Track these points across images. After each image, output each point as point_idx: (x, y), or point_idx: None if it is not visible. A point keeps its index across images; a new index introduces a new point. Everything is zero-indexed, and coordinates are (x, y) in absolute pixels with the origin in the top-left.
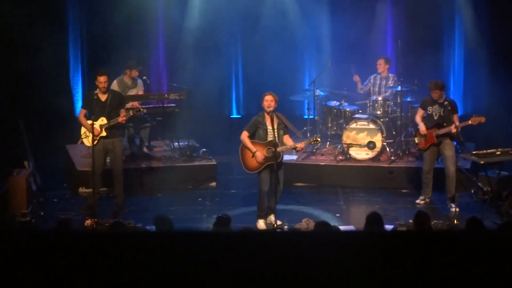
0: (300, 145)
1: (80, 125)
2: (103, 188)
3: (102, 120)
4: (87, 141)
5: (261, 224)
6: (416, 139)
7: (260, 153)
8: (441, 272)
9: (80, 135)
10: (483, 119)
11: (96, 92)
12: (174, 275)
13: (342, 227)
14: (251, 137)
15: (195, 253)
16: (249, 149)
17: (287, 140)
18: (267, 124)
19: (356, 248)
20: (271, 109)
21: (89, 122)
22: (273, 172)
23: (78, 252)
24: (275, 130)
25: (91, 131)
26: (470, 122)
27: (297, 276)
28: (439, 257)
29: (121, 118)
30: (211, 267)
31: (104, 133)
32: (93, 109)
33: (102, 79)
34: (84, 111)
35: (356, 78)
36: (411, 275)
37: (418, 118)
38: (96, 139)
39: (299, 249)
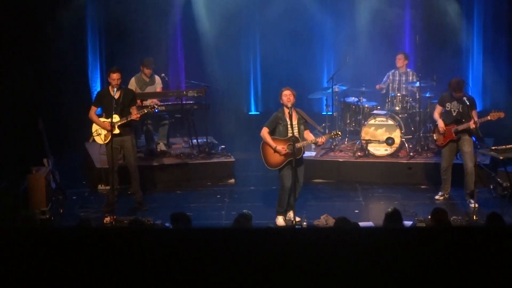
0: (320, 139)
1: (91, 122)
2: (118, 186)
3: (115, 118)
4: (99, 139)
5: (280, 220)
6: (434, 135)
7: (281, 147)
8: (461, 268)
9: (92, 133)
10: (502, 115)
11: (108, 89)
12: (192, 272)
13: (361, 223)
14: (272, 133)
15: (214, 250)
16: (269, 145)
17: (308, 135)
18: (287, 119)
19: (375, 245)
20: (290, 103)
21: (102, 119)
22: (293, 168)
23: (96, 249)
24: (295, 126)
25: (108, 128)
26: (489, 117)
27: (316, 273)
28: (458, 254)
29: (135, 115)
30: (229, 264)
31: (116, 131)
32: (106, 107)
33: (115, 76)
34: (95, 108)
35: (379, 86)
36: (430, 271)
37: (436, 115)
38: (108, 137)
39: (318, 246)
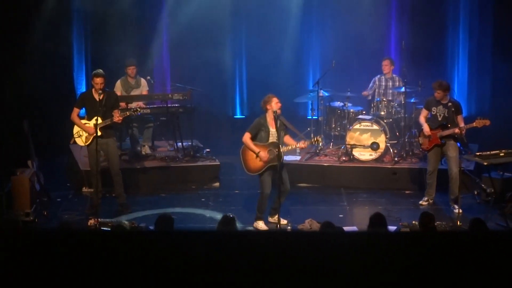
0: (302, 144)
1: (73, 124)
2: (102, 188)
3: (97, 120)
4: (80, 141)
5: (260, 225)
6: (419, 139)
7: (263, 153)
8: (444, 273)
9: (73, 135)
10: (487, 122)
11: (91, 91)
12: (175, 274)
13: (345, 228)
14: (254, 139)
15: (196, 253)
16: (251, 150)
17: (288, 140)
18: (269, 126)
19: (360, 249)
20: (275, 110)
21: (84, 121)
22: (276, 174)
23: (80, 252)
24: (277, 132)
25: (90, 131)
26: (474, 124)
27: (299, 277)
28: (442, 258)
29: (117, 118)
30: (211, 266)
31: (98, 133)
32: (88, 109)
33: (98, 80)
34: (77, 110)
35: (365, 93)
36: (414, 276)
37: (422, 119)
38: (89, 139)
39: (302, 250)
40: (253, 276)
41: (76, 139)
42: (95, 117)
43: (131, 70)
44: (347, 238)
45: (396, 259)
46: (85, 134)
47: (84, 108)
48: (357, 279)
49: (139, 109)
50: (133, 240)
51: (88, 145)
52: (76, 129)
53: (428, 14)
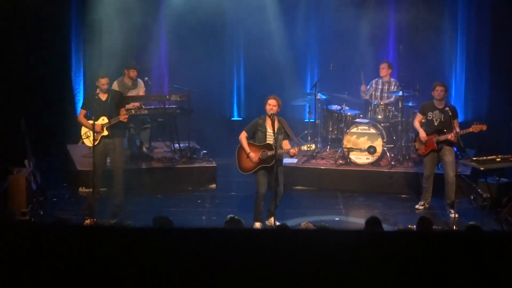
0: (293, 150)
1: (80, 126)
2: (103, 188)
3: (103, 120)
4: (88, 141)
5: (257, 226)
6: (416, 144)
7: (254, 154)
8: (440, 273)
9: (81, 136)
10: (484, 127)
11: (96, 92)
12: (172, 272)
13: None
14: (251, 138)
15: (194, 251)
16: (243, 150)
17: (285, 145)
18: (267, 127)
19: (356, 248)
20: (272, 112)
21: (90, 122)
22: (272, 175)
23: (77, 248)
24: (274, 134)
25: (93, 130)
26: (471, 129)
27: (295, 275)
28: (438, 259)
29: (123, 117)
30: (209, 264)
31: (105, 132)
32: (94, 109)
33: (103, 81)
34: (84, 111)
35: (363, 87)
36: (409, 276)
37: (416, 124)
38: (97, 139)
39: (299, 248)
40: (248, 275)
41: (84, 140)
42: (101, 117)
43: (133, 72)
44: (344, 236)
45: (390, 259)
46: (92, 135)
47: (90, 109)
48: (354, 279)
49: (143, 107)
50: (132, 238)
51: (95, 146)
52: (83, 130)
53: (426, 19)
